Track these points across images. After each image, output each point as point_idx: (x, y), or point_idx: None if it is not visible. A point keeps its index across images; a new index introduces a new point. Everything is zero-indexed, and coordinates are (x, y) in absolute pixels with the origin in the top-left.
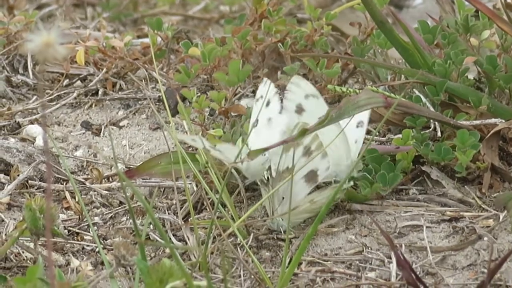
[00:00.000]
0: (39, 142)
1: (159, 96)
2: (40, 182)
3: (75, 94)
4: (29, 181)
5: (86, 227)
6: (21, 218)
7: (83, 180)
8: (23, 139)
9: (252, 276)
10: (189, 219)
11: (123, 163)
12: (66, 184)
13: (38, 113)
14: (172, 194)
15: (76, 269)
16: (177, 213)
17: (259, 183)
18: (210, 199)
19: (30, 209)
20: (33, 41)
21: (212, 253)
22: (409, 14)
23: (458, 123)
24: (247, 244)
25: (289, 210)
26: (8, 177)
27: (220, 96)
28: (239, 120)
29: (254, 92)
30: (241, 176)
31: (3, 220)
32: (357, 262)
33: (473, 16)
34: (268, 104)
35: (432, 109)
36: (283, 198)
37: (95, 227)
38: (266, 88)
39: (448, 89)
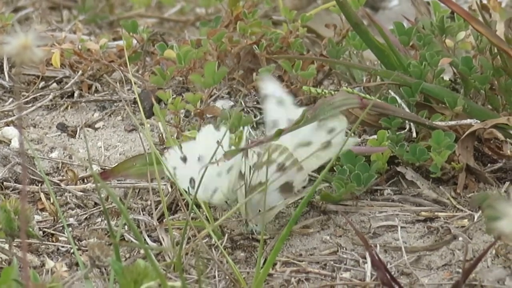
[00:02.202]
0: (15, 144)
1: (134, 98)
2: (15, 184)
3: (50, 96)
4: (4, 182)
5: (61, 228)
6: None
7: (58, 182)
8: None
9: (227, 277)
10: (164, 220)
11: (98, 164)
12: (41, 185)
13: (14, 115)
14: (147, 195)
15: (51, 270)
16: (151, 214)
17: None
18: (185, 200)
19: (4, 211)
20: (10, 43)
21: (186, 253)
22: (384, 16)
23: (433, 124)
24: (221, 244)
25: (264, 212)
26: None
27: (196, 97)
28: (215, 121)
29: (229, 93)
30: None
31: None
32: (332, 262)
33: (449, 18)
34: None
35: (407, 110)
36: (259, 210)
37: (70, 228)
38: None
39: (424, 90)
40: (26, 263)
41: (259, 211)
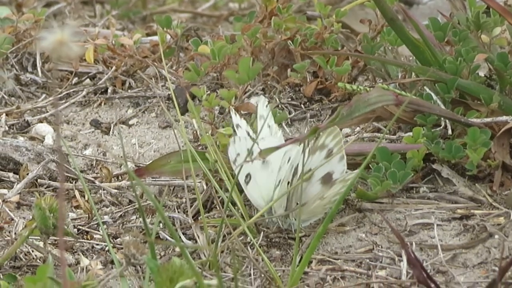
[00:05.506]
0: (48, 140)
1: (168, 94)
2: (49, 181)
3: (84, 93)
4: (38, 180)
5: (95, 226)
6: (31, 217)
7: (92, 179)
8: (32, 138)
9: (263, 275)
10: (199, 218)
11: (133, 161)
12: (75, 182)
13: (47, 112)
14: (181, 192)
15: (86, 268)
16: (187, 211)
17: None
18: (220, 198)
19: (39, 208)
20: (46, 39)
21: (222, 251)
22: (419, 11)
23: (469, 121)
24: (257, 242)
25: (300, 207)
26: (17, 176)
27: (230, 94)
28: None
29: (264, 90)
30: None
31: (12, 219)
32: (368, 260)
33: (484, 13)
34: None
35: (443, 106)
36: (296, 203)
37: (105, 226)
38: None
39: (459, 87)
40: (64, 261)
41: (297, 203)
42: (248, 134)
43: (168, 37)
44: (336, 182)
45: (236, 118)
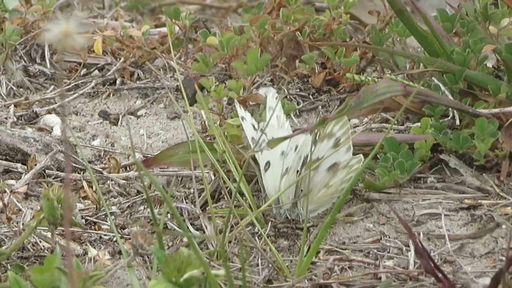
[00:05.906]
0: (56, 131)
1: (177, 86)
2: (57, 172)
3: (92, 84)
4: (46, 170)
5: (103, 216)
6: (39, 208)
7: (100, 170)
8: (40, 129)
9: (270, 265)
10: (207, 208)
11: (141, 152)
12: (83, 173)
13: (56, 103)
14: (189, 183)
15: (94, 258)
16: (194, 202)
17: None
18: (228, 188)
19: (47, 199)
20: (52, 30)
21: (230, 242)
22: (427, 2)
23: (476, 111)
24: (265, 233)
25: (307, 197)
26: (25, 167)
27: (239, 85)
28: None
29: (272, 81)
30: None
31: (20, 210)
32: (375, 250)
33: (492, 4)
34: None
35: (451, 97)
36: (301, 190)
37: (113, 217)
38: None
39: (467, 77)
40: (70, 251)
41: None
42: (253, 126)
43: (177, 28)
44: (339, 168)
45: (240, 111)
